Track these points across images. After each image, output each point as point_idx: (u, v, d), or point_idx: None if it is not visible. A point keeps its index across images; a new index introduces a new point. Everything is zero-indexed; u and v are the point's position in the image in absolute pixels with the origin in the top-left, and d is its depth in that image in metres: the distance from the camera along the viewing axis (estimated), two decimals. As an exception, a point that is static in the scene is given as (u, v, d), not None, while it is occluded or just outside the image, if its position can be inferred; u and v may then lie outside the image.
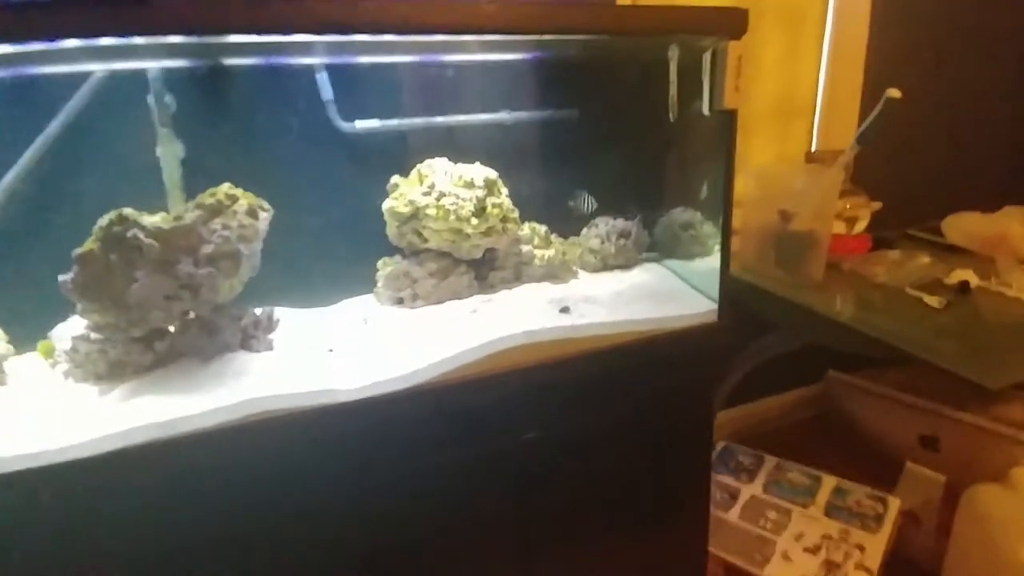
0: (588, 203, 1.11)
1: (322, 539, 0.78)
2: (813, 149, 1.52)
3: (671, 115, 0.99)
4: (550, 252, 1.04)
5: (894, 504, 1.27)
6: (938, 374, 0.90)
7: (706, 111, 0.87)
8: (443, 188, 0.94)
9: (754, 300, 1.20)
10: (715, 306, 0.94)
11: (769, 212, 1.19)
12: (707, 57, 0.85)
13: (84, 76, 0.83)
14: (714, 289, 0.94)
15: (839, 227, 1.27)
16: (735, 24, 0.82)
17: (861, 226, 1.31)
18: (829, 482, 1.37)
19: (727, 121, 0.86)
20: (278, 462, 0.73)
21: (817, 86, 1.53)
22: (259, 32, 0.65)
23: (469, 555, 0.88)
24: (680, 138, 1.05)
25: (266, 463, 0.73)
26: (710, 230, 1.04)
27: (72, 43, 0.63)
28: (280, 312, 0.91)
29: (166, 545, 0.70)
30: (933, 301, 1.08)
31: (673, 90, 0.97)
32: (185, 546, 0.71)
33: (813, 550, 1.22)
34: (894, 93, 1.11)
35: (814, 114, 1.55)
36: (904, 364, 1.13)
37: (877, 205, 1.34)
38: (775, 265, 1.21)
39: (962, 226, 1.38)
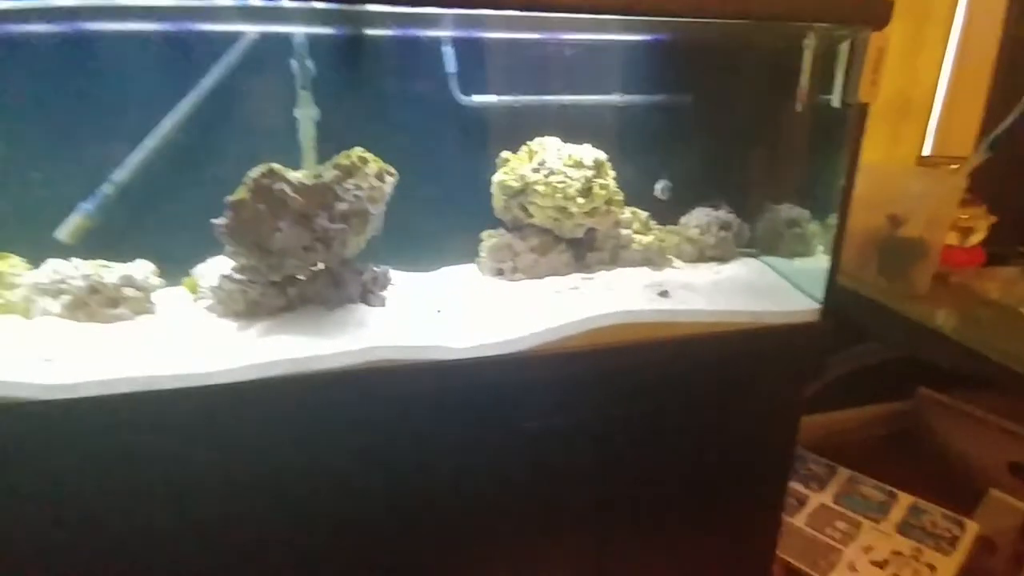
0: (666, 190, 1.10)
1: (415, 481, 0.84)
2: (927, 152, 1.44)
3: (798, 106, 0.96)
4: (648, 238, 1.05)
5: (971, 528, 1.23)
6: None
7: (836, 103, 0.84)
8: (552, 166, 0.96)
9: (850, 306, 1.17)
10: (816, 306, 0.92)
11: (876, 215, 1.15)
12: (844, 47, 0.83)
13: (235, 36, 0.90)
14: (815, 289, 0.93)
15: (952, 238, 1.21)
16: (879, 14, 0.79)
17: (977, 239, 1.24)
18: (905, 500, 1.33)
19: (856, 116, 0.84)
20: (391, 406, 0.79)
21: (937, 86, 1.45)
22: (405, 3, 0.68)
23: (546, 520, 0.92)
24: (795, 132, 1.02)
25: (381, 406, 0.79)
26: (816, 229, 1.02)
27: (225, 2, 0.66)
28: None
29: (292, 469, 0.78)
30: (1047, 324, 1.02)
31: (804, 79, 0.94)
32: (308, 471, 0.79)
33: (881, 564, 1.20)
34: None
35: (930, 115, 1.47)
36: (1001, 387, 1.08)
37: (994, 219, 1.26)
38: (877, 271, 1.16)
39: (1086, 248, 1.29)
